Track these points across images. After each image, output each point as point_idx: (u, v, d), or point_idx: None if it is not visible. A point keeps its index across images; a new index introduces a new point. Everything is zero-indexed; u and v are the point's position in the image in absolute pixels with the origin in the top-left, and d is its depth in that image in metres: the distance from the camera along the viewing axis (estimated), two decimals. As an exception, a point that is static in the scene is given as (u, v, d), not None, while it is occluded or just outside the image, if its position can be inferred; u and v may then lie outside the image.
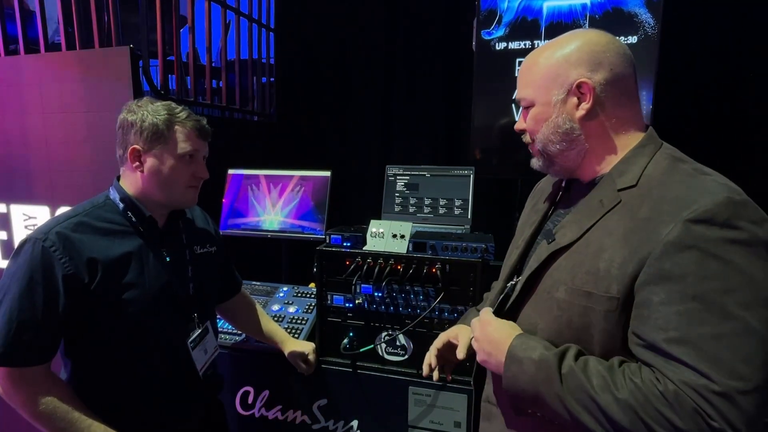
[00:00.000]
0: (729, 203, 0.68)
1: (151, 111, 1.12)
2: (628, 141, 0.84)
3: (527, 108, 0.89)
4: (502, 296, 0.95)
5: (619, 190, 0.80)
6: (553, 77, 0.83)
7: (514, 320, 0.89)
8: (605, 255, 0.76)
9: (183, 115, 1.15)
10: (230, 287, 1.49)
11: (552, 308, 0.82)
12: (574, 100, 0.82)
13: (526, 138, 0.92)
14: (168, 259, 1.19)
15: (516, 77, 0.91)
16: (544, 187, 1.09)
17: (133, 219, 1.15)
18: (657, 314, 0.68)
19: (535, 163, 0.93)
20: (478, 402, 1.02)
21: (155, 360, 1.16)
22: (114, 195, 1.16)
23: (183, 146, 1.14)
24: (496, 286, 1.02)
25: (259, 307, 1.56)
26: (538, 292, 0.86)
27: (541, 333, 0.84)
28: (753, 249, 0.67)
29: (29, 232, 1.94)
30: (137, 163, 1.13)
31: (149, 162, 1.13)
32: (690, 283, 0.67)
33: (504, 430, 0.92)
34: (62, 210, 1.89)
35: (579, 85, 0.81)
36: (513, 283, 0.94)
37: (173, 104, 1.16)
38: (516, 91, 0.92)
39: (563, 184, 0.99)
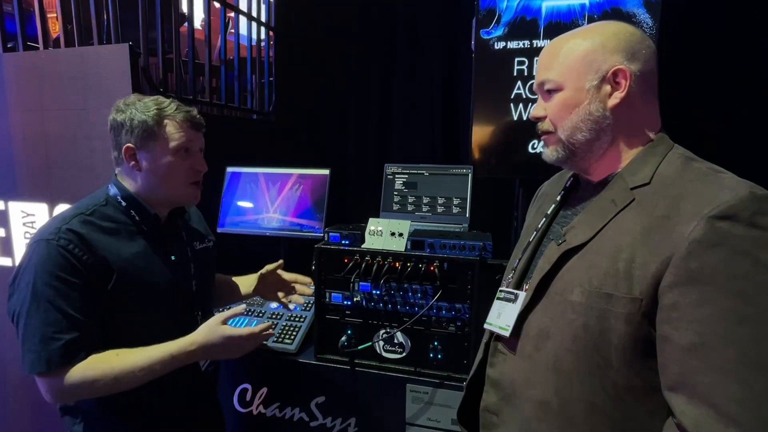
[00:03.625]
0: (753, 198, 0.66)
1: (139, 108, 1.10)
2: (645, 139, 0.82)
3: (551, 92, 0.84)
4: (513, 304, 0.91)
5: (632, 189, 0.78)
6: (588, 62, 0.79)
7: (521, 326, 0.87)
8: (623, 255, 0.73)
9: (172, 107, 1.13)
10: None
11: (566, 312, 0.79)
12: (608, 88, 0.79)
13: (545, 125, 0.86)
14: (173, 258, 1.19)
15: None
16: (547, 191, 1.07)
17: (137, 218, 1.13)
18: (689, 316, 0.66)
19: (550, 155, 0.87)
20: (475, 409, 0.99)
21: None
22: (114, 192, 1.14)
23: (175, 139, 1.12)
24: (502, 291, 0.98)
25: (222, 280, 1.53)
26: (549, 295, 0.83)
27: (554, 338, 0.81)
28: None
29: (27, 229, 1.95)
30: (133, 162, 1.11)
31: (145, 160, 1.11)
32: (721, 282, 0.64)
33: None
34: (60, 207, 1.89)
35: (615, 73, 0.79)
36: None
37: (161, 98, 1.14)
38: (537, 74, 0.86)
39: (568, 184, 0.97)
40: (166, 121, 1.12)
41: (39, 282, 1.00)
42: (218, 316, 1.13)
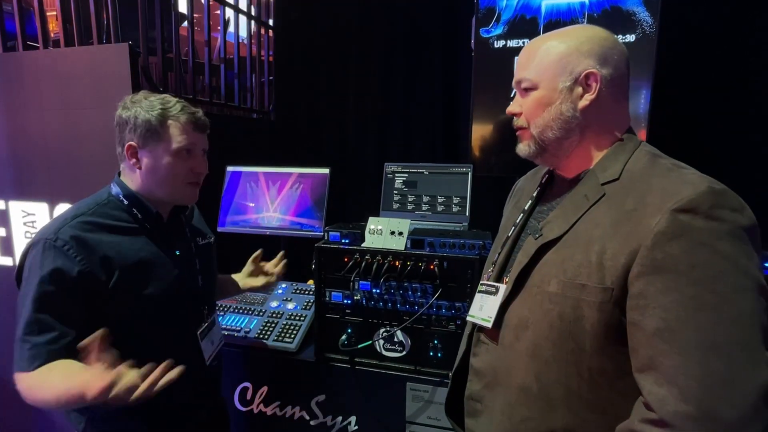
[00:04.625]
0: (710, 192, 0.71)
1: (144, 107, 1.10)
2: (614, 138, 0.87)
3: (527, 90, 0.88)
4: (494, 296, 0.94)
5: (603, 184, 0.82)
6: (562, 64, 0.84)
7: (503, 317, 0.90)
8: (595, 247, 0.78)
9: (176, 108, 1.12)
10: None
11: (543, 302, 0.83)
12: (579, 89, 0.84)
13: (520, 121, 0.91)
14: (177, 253, 1.19)
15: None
16: (523, 185, 1.11)
17: (139, 216, 1.14)
18: (655, 303, 0.70)
19: (523, 149, 0.92)
20: (461, 399, 1.02)
21: (167, 351, 1.15)
22: (116, 191, 1.15)
23: (178, 141, 1.12)
24: (483, 284, 1.01)
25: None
26: (527, 287, 0.87)
27: (533, 327, 0.84)
28: (735, 235, 0.70)
29: (28, 228, 1.96)
30: (134, 160, 1.12)
31: (146, 159, 1.11)
32: (683, 271, 0.69)
33: (489, 427, 0.93)
34: (61, 207, 1.89)
35: (587, 76, 0.83)
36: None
37: (168, 97, 1.14)
38: (516, 72, 0.90)
39: (544, 180, 1.00)
40: (169, 121, 1.11)
41: (30, 282, 1.01)
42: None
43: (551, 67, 0.84)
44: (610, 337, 0.76)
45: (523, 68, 0.88)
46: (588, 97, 0.83)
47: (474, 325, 0.98)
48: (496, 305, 0.91)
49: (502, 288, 0.92)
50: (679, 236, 0.70)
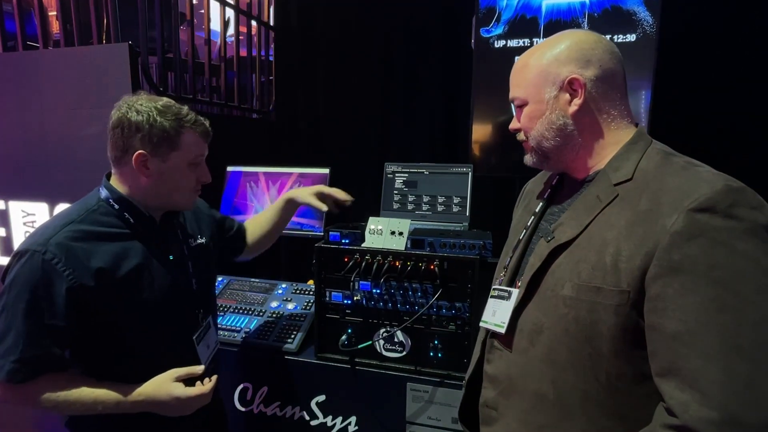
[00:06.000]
0: (728, 190, 0.69)
1: (157, 113, 1.06)
2: (620, 137, 0.86)
3: (520, 107, 0.91)
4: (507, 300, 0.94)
5: (615, 185, 0.81)
6: (544, 76, 0.85)
7: (516, 323, 0.89)
8: (610, 249, 0.76)
9: (191, 118, 1.11)
10: (240, 240, 1.51)
11: (557, 306, 0.82)
12: (566, 96, 0.84)
13: (521, 136, 0.94)
14: (171, 258, 1.18)
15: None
16: (532, 188, 1.10)
17: (131, 220, 1.11)
18: (674, 305, 0.69)
19: (529, 159, 0.94)
20: (475, 406, 1.01)
21: (163, 358, 1.15)
22: (105, 195, 1.11)
23: (193, 152, 1.11)
24: (495, 289, 1.00)
25: (257, 220, 1.55)
26: (541, 291, 0.86)
27: (548, 332, 0.83)
28: (755, 234, 0.68)
29: (28, 228, 1.96)
30: (143, 167, 1.08)
31: (154, 166, 1.08)
32: (702, 272, 0.67)
33: None
34: (61, 207, 1.89)
35: (570, 82, 0.83)
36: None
37: (176, 104, 1.12)
38: (510, 92, 0.95)
39: (554, 183, 0.99)
40: (186, 132, 1.09)
41: (14, 293, 1.00)
42: (171, 373, 1.09)
43: (535, 81, 0.87)
44: (628, 340, 0.75)
45: (513, 87, 0.92)
46: (576, 102, 0.84)
47: (487, 331, 0.97)
48: (509, 310, 0.90)
49: (515, 292, 0.91)
50: (697, 236, 0.68)
